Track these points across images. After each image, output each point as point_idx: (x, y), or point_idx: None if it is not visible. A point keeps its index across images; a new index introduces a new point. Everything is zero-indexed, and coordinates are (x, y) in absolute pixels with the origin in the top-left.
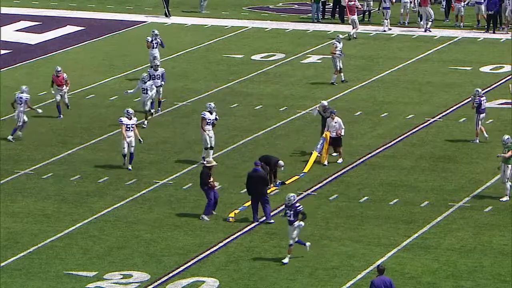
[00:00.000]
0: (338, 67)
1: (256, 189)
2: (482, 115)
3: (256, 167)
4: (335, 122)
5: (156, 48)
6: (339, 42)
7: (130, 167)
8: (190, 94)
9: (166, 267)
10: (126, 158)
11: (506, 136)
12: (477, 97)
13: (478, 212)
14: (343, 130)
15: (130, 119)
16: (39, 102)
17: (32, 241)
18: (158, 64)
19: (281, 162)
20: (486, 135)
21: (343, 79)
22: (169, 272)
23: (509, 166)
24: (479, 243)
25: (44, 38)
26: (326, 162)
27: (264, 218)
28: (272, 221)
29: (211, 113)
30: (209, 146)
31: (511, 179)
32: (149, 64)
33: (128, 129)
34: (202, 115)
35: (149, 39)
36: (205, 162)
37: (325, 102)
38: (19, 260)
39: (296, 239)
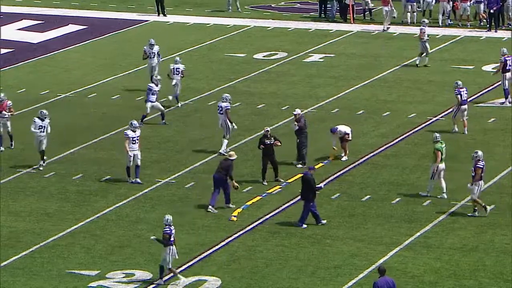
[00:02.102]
0: (428, 50)
1: (308, 192)
2: (463, 107)
3: (307, 171)
4: (340, 134)
5: (154, 58)
6: (426, 26)
7: (139, 180)
8: (192, 93)
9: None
10: (130, 171)
11: (437, 134)
12: (456, 89)
13: (480, 211)
14: (350, 135)
15: (135, 131)
16: (42, 101)
17: (34, 240)
18: (160, 78)
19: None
20: (465, 131)
21: (426, 63)
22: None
23: (440, 165)
24: (481, 242)
25: (46, 37)
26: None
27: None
28: (323, 221)
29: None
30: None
31: (438, 176)
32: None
33: (133, 141)
34: (227, 107)
35: (146, 48)
36: (226, 155)
37: (298, 111)
38: (21, 259)
39: (169, 266)
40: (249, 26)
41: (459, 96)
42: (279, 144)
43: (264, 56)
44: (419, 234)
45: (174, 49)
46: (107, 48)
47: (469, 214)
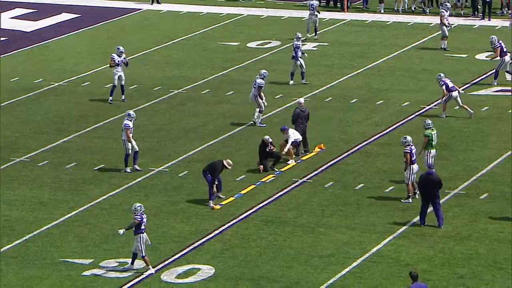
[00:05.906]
0: (446, 34)
1: (428, 191)
2: (454, 93)
3: (430, 169)
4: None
5: (120, 66)
6: (446, 11)
7: (138, 167)
8: (185, 82)
9: (161, 255)
10: (129, 159)
11: (429, 121)
12: (441, 81)
13: (473, 200)
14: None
15: (131, 121)
16: (34, 90)
17: (28, 228)
18: (301, 36)
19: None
20: (470, 111)
21: (445, 46)
22: (164, 259)
23: (431, 151)
24: (475, 231)
25: (39, 26)
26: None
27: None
28: (442, 226)
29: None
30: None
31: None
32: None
33: (131, 132)
34: (260, 85)
35: (114, 56)
36: (225, 163)
37: (301, 100)
38: (15, 247)
39: (143, 254)
40: (243, 14)
41: (444, 86)
42: (273, 149)
43: (257, 45)
44: (412, 222)
45: (167, 38)
46: (101, 37)
47: (402, 201)
